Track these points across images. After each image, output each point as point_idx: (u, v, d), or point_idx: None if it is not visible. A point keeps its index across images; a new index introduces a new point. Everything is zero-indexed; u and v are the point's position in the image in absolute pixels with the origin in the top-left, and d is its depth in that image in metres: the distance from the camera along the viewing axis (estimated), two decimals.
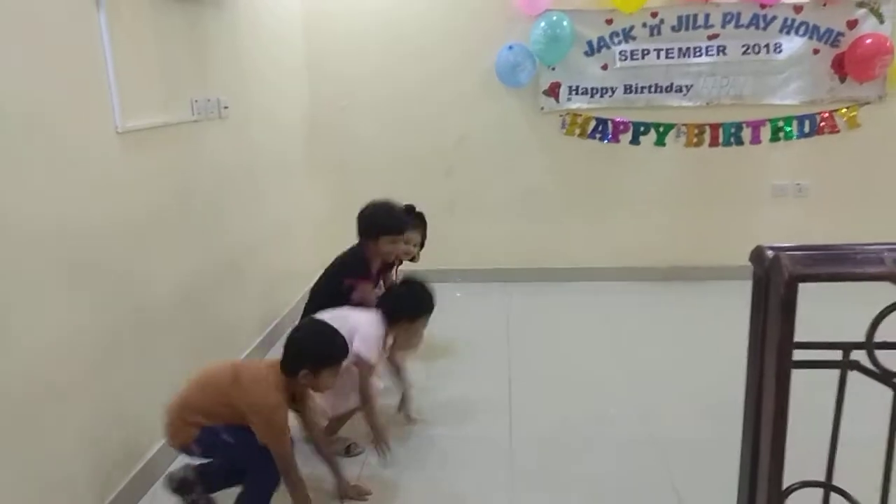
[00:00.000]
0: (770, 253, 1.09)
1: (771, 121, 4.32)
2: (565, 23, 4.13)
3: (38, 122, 1.89)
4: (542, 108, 4.41)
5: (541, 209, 4.57)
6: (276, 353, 2.15)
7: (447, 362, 3.41)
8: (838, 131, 4.30)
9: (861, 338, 1.11)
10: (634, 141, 4.43)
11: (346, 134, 4.54)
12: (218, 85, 3.07)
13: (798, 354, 1.11)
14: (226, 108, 3.09)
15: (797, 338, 1.11)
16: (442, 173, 4.54)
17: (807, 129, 4.32)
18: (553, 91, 4.36)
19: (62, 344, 1.96)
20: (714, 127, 4.35)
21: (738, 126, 4.34)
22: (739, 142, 4.36)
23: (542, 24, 4.13)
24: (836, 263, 1.06)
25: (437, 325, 3.72)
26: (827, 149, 4.34)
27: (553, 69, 4.32)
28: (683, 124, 4.37)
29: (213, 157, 3.02)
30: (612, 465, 2.46)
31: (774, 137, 4.35)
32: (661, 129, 4.39)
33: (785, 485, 1.15)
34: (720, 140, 4.36)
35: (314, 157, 4.48)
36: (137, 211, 2.38)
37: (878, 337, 1.11)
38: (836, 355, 1.16)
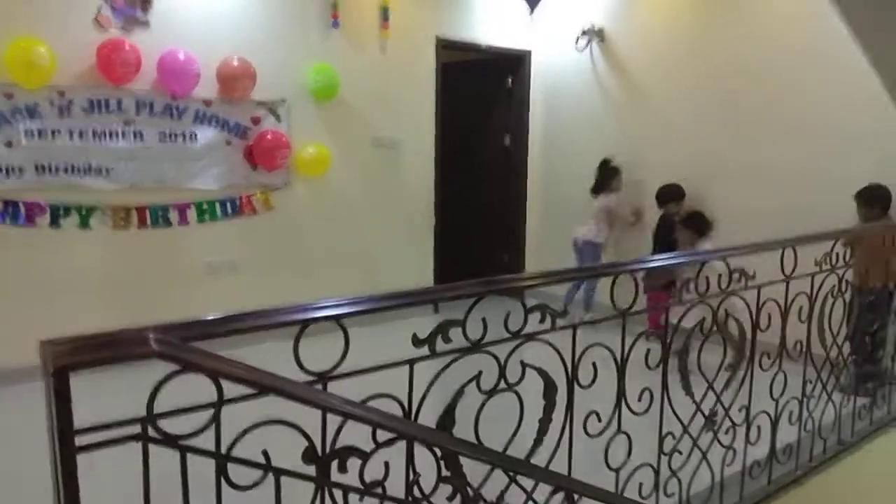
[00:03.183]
0: (42, 346, 1.12)
1: (196, 203, 4.62)
2: None
3: None
4: None
5: None
6: None
7: None
8: (256, 212, 4.89)
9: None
10: (54, 223, 4.13)
11: None
12: None
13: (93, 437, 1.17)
14: None
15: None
16: None
17: (229, 210, 4.77)
18: None
19: None
20: (141, 209, 4.40)
21: (165, 208, 4.50)
22: (168, 223, 4.51)
23: None
24: (102, 349, 1.16)
25: None
26: (250, 228, 4.88)
27: None
28: (108, 206, 4.29)
29: None
30: None
31: (201, 218, 4.65)
32: (84, 212, 4.21)
33: None
34: (148, 222, 4.43)
35: None
36: None
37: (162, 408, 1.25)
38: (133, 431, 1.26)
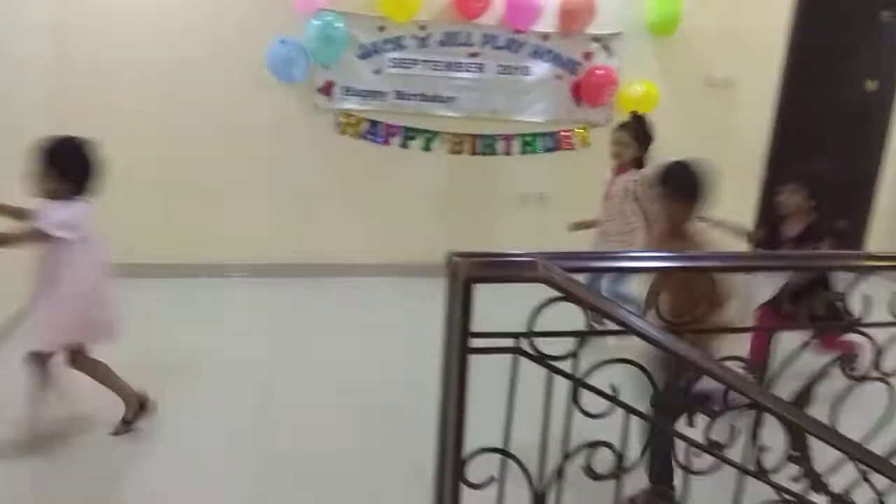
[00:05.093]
0: (454, 259, 1.30)
1: (520, 135, 4.85)
2: (340, 24, 4.25)
3: None
4: (317, 106, 4.49)
5: (314, 205, 4.64)
6: None
7: (202, 359, 3.36)
8: (573, 148, 4.96)
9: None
10: (404, 145, 4.70)
11: (99, 125, 4.19)
12: None
13: (479, 343, 1.34)
14: None
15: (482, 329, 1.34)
16: (212, 164, 4.40)
17: (549, 144, 4.92)
18: (327, 90, 4.46)
19: None
20: (474, 137, 4.77)
21: (494, 138, 4.81)
22: (494, 152, 4.83)
23: (317, 22, 4.20)
24: (501, 268, 1.31)
25: (199, 322, 3.67)
26: (564, 162, 4.98)
27: (327, 68, 4.41)
28: (448, 133, 4.73)
29: None
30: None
31: (523, 150, 4.89)
32: (428, 136, 4.70)
33: (469, 451, 1.38)
34: (478, 149, 4.79)
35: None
36: None
37: (539, 327, 1.38)
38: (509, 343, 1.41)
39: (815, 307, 1.67)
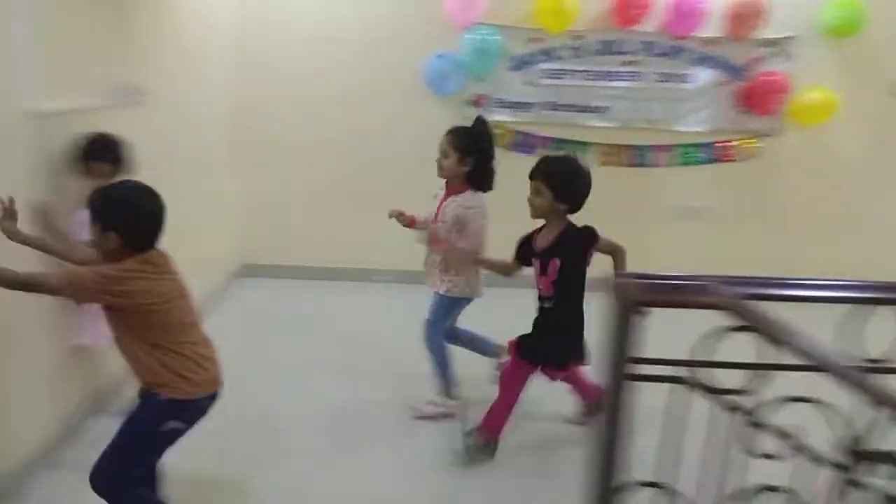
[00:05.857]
0: (620, 280, 1.24)
1: (677, 146, 4.61)
2: (495, 37, 4.29)
3: None
4: (466, 119, 4.54)
5: None
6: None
7: (346, 360, 3.49)
8: (735, 160, 4.63)
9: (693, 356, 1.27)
10: None
11: (269, 130, 4.55)
12: (141, 70, 3.04)
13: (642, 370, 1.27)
14: (145, 94, 3.07)
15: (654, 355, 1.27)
16: (365, 173, 4.61)
17: (709, 155, 4.63)
18: (478, 102, 4.51)
19: None
20: (627, 148, 4.60)
21: (648, 148, 4.61)
22: (647, 163, 4.63)
23: (473, 36, 4.27)
24: (672, 293, 1.22)
25: (343, 325, 3.83)
26: (725, 175, 4.67)
27: (480, 80, 4.47)
28: (599, 143, 4.60)
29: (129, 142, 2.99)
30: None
31: (679, 161, 4.64)
32: (579, 147, 4.60)
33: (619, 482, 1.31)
34: (631, 161, 4.62)
35: (236, 151, 4.46)
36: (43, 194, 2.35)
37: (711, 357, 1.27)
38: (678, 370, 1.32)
39: None
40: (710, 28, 4.34)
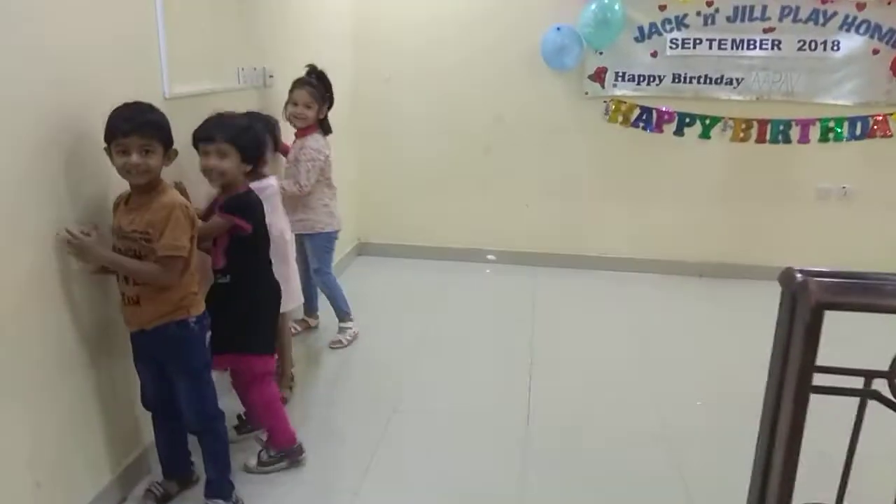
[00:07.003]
0: (799, 277, 1.09)
1: (821, 120, 4.20)
2: (617, 6, 4.05)
3: (88, 85, 1.94)
4: (587, 93, 4.35)
5: (577, 195, 4.54)
6: None
7: (468, 341, 3.46)
8: (891, 136, 4.17)
9: (884, 366, 1.11)
10: (678, 132, 4.35)
11: (389, 106, 4.55)
12: (264, 54, 3.10)
13: (819, 378, 1.12)
14: (271, 76, 3.13)
15: (820, 360, 1.11)
16: (480, 151, 4.54)
17: (858, 131, 4.19)
18: (599, 76, 4.30)
19: None
20: (762, 123, 4.25)
21: (787, 124, 4.23)
22: (787, 140, 4.26)
23: (593, 6, 4.05)
24: (864, 294, 1.06)
25: (461, 305, 3.83)
26: (877, 152, 4.21)
27: (600, 54, 4.25)
28: (731, 118, 4.27)
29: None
30: (623, 455, 2.48)
31: (824, 137, 4.23)
32: (708, 122, 4.30)
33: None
34: (767, 137, 4.26)
35: (356, 127, 4.50)
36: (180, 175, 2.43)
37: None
38: (858, 381, 1.16)
39: None
40: None
